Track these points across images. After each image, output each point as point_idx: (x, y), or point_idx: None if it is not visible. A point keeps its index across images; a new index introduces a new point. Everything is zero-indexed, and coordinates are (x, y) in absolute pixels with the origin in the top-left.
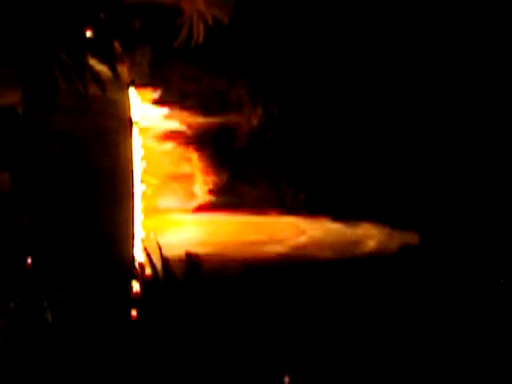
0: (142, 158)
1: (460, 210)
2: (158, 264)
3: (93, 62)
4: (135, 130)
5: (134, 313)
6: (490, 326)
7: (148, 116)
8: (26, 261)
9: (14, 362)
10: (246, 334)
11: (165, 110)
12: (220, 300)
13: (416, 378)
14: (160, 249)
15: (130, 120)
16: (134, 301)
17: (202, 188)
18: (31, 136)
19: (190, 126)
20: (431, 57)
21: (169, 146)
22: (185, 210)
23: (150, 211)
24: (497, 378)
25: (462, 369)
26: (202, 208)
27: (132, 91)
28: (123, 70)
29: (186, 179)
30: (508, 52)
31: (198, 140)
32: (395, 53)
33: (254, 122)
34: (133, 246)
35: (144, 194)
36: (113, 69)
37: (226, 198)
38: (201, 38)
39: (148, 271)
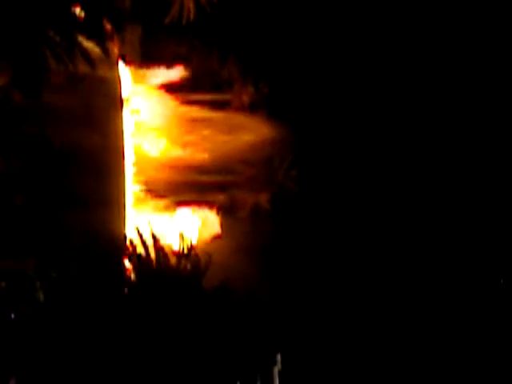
0: (133, 136)
1: (460, 210)
2: (150, 242)
3: (82, 39)
4: (126, 108)
5: (126, 291)
6: (490, 326)
7: (139, 95)
8: (18, 239)
9: (5, 342)
10: (236, 313)
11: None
12: (212, 280)
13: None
14: (151, 227)
15: (121, 98)
16: (127, 279)
17: (193, 167)
18: (21, 114)
19: (181, 105)
20: (429, 56)
21: (160, 124)
22: (176, 190)
23: (141, 191)
24: (497, 377)
25: (461, 369)
26: (193, 187)
27: (122, 68)
28: (113, 48)
29: (178, 158)
30: (508, 52)
31: (189, 119)
32: (386, 34)
33: (245, 99)
34: (124, 224)
35: (134, 173)
36: (103, 47)
37: (219, 177)
38: (192, 16)
39: (140, 250)
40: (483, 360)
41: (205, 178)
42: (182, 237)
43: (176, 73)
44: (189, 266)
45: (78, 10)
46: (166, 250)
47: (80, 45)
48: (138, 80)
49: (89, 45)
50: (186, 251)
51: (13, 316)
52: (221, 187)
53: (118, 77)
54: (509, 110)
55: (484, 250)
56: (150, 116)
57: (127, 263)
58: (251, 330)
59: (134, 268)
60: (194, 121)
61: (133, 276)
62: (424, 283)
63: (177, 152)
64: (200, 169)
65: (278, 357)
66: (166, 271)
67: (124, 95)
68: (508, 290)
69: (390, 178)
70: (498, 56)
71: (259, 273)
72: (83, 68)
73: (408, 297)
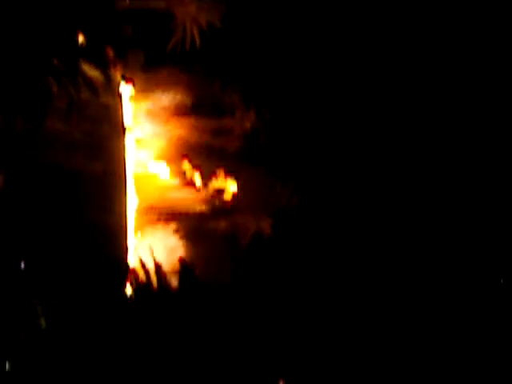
0: (135, 163)
1: (460, 210)
2: (151, 270)
3: (85, 66)
4: (128, 136)
5: (127, 319)
6: (490, 325)
7: (141, 122)
8: (19, 266)
9: (7, 369)
10: (241, 342)
11: (158, 116)
12: (214, 306)
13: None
14: (153, 254)
15: (123, 125)
16: (128, 306)
17: (195, 193)
18: (23, 140)
19: (182, 131)
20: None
21: (162, 151)
22: (177, 216)
23: (143, 217)
24: (497, 377)
25: (461, 369)
26: (194, 214)
27: (125, 95)
28: (116, 75)
29: (179, 185)
30: (508, 52)
31: (191, 145)
32: (390, 59)
33: (247, 125)
34: (126, 251)
35: (136, 200)
36: (105, 73)
37: (220, 203)
38: (197, 42)
39: (141, 277)
40: (483, 360)
41: (205, 204)
42: (182, 262)
43: (177, 96)
44: (190, 292)
45: (81, 38)
46: (168, 275)
47: (83, 72)
48: (139, 104)
49: (91, 72)
50: (187, 276)
51: (14, 342)
52: (222, 213)
53: (121, 104)
54: (509, 110)
55: (484, 250)
56: (151, 142)
57: (129, 289)
58: (253, 355)
59: (136, 294)
60: (196, 147)
61: (134, 302)
62: (424, 284)
63: (178, 178)
64: (201, 195)
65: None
66: (168, 297)
67: (126, 122)
68: (508, 290)
69: (393, 205)
70: (498, 56)
71: (262, 298)
72: (85, 95)
73: (408, 297)
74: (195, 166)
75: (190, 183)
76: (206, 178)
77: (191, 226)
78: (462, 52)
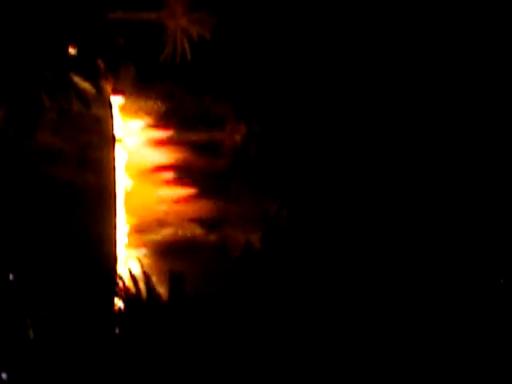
0: (126, 176)
1: (460, 210)
2: (141, 281)
3: (77, 79)
4: (118, 147)
5: (117, 330)
6: (490, 326)
7: (132, 134)
8: (8, 277)
9: None
10: (231, 351)
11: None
12: (204, 317)
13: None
14: (142, 266)
15: (114, 136)
16: (118, 318)
17: (185, 205)
18: (14, 152)
19: (173, 144)
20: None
21: (153, 162)
22: (167, 228)
23: (133, 229)
24: (497, 377)
25: (461, 369)
26: (184, 226)
27: (115, 106)
28: (107, 87)
29: (169, 197)
30: (508, 52)
31: (182, 157)
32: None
33: (238, 138)
34: (116, 262)
35: (127, 211)
36: (96, 86)
37: (210, 215)
38: (188, 55)
39: (131, 289)
40: (483, 360)
41: (196, 217)
42: (172, 273)
43: (168, 108)
44: (180, 302)
45: (72, 50)
46: (157, 286)
47: (74, 84)
48: (129, 116)
49: (83, 84)
50: (176, 287)
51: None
52: (212, 226)
53: (111, 115)
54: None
55: (484, 250)
56: (142, 153)
57: (118, 301)
58: (243, 364)
59: (125, 304)
60: (186, 159)
61: (123, 314)
62: (424, 283)
63: (168, 189)
64: (191, 207)
65: None
66: (157, 308)
67: (116, 134)
68: (508, 289)
69: (381, 216)
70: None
71: (252, 308)
72: (77, 106)
73: (408, 297)
74: (186, 178)
75: (181, 195)
76: (198, 190)
77: (181, 238)
78: (461, 52)
